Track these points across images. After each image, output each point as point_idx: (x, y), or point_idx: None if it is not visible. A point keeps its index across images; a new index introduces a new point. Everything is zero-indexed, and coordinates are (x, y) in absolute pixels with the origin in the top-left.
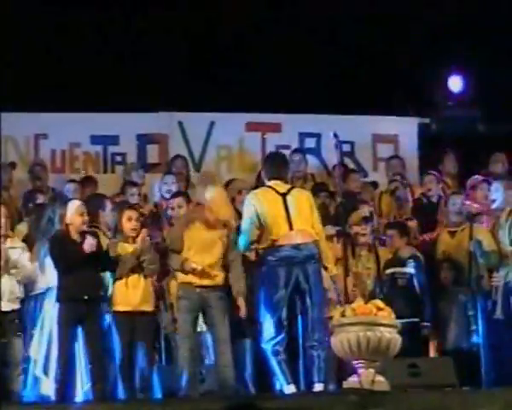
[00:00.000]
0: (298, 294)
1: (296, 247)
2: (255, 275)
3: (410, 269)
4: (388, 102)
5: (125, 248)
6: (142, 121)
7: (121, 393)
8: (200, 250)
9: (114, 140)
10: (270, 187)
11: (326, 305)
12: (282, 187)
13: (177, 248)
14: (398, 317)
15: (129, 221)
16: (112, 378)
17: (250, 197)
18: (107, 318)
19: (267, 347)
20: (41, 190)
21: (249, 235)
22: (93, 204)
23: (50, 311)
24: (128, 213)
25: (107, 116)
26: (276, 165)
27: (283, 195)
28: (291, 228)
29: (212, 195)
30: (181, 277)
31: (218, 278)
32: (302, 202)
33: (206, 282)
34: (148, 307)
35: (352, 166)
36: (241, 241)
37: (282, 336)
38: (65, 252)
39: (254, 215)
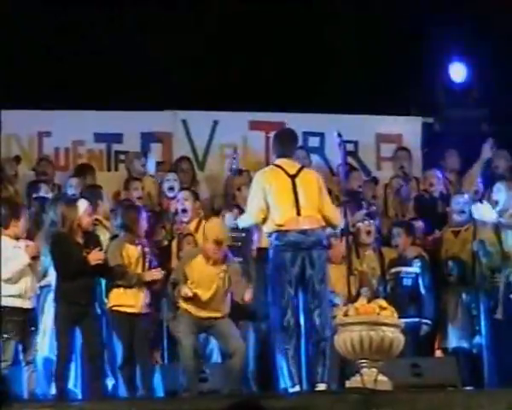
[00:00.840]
0: (302, 284)
1: (303, 232)
2: (258, 273)
3: (415, 269)
4: (392, 101)
5: (130, 252)
6: (145, 119)
7: (123, 392)
8: (200, 284)
9: (118, 138)
10: (279, 166)
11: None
12: (291, 167)
13: (179, 281)
14: (402, 316)
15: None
16: (113, 377)
17: (258, 178)
18: (106, 317)
19: (276, 344)
20: (45, 181)
21: (253, 217)
22: (91, 195)
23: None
24: (141, 215)
25: (111, 114)
26: (284, 142)
27: (293, 177)
28: (299, 213)
29: (208, 225)
30: (182, 304)
31: (218, 312)
32: (311, 184)
33: (204, 314)
34: (149, 309)
35: (355, 165)
36: (243, 219)
37: (291, 334)
38: (69, 259)
39: (261, 198)
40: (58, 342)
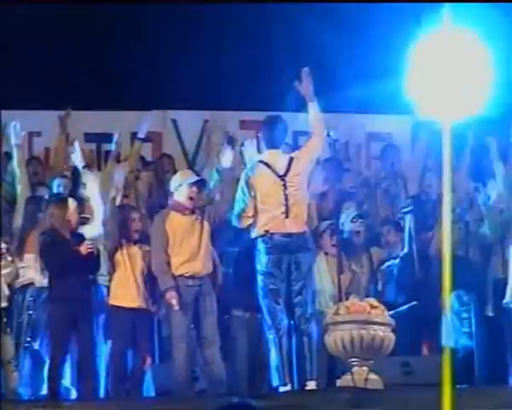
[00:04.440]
0: (287, 286)
1: (288, 236)
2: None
3: (404, 262)
4: (382, 100)
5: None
6: (135, 119)
7: (113, 392)
8: (182, 239)
9: (108, 138)
10: (267, 165)
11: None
12: (280, 162)
13: (162, 246)
14: (393, 306)
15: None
16: (104, 377)
17: (245, 180)
18: (99, 317)
19: (270, 338)
20: (37, 181)
21: (239, 222)
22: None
23: None
24: (133, 215)
25: (101, 114)
26: (273, 130)
27: (282, 177)
28: (287, 215)
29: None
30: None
31: (206, 266)
32: (301, 176)
33: (193, 270)
34: (145, 306)
35: (345, 164)
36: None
37: (283, 331)
38: (57, 254)
39: (247, 203)
40: (52, 343)
